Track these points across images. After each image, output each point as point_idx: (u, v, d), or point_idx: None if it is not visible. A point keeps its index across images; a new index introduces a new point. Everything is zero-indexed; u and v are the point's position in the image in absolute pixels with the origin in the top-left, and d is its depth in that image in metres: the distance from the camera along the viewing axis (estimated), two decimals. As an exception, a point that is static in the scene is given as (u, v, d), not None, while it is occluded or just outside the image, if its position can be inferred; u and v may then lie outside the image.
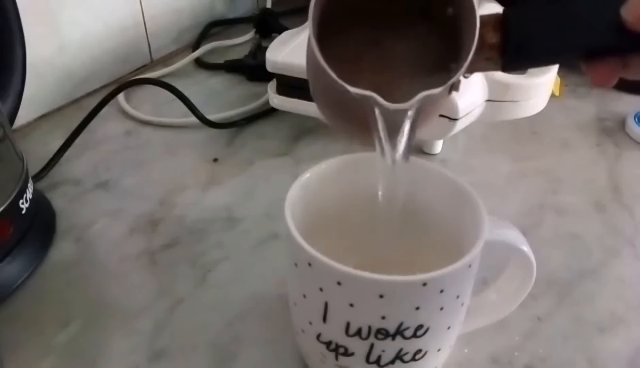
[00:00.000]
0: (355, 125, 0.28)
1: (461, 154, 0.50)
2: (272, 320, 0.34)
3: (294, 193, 0.28)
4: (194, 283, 0.37)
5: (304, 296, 0.27)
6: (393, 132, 0.25)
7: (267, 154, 0.50)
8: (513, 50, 0.24)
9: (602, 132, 0.53)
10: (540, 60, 0.26)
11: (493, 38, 0.24)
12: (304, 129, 0.52)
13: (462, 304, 0.27)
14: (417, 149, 0.49)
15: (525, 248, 0.28)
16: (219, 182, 0.46)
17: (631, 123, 0.52)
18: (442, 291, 0.25)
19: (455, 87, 0.25)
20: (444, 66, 0.25)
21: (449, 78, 0.24)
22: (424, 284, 0.24)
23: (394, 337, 0.25)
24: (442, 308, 0.25)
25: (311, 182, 0.30)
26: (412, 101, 0.24)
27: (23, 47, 0.45)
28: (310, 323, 0.27)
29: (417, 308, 0.25)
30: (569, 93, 0.58)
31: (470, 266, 0.25)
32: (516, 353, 0.33)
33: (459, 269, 0.25)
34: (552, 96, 0.49)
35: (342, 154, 0.31)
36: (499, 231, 0.27)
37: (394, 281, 0.24)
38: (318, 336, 0.27)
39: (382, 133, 0.25)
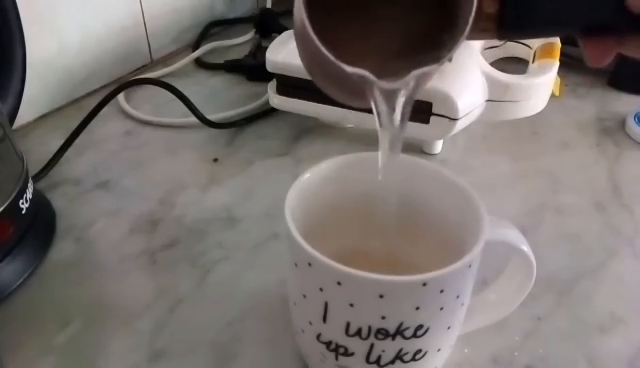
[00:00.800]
0: (347, 91, 0.28)
1: (461, 154, 0.50)
2: (272, 320, 0.34)
3: (294, 193, 0.28)
4: (194, 283, 0.37)
5: (304, 296, 0.27)
6: (389, 103, 0.25)
7: (267, 154, 0.50)
8: (511, 21, 0.24)
9: (602, 132, 0.53)
10: (537, 32, 0.26)
11: (491, 7, 0.24)
12: (304, 129, 0.52)
13: (462, 304, 0.27)
14: (417, 149, 0.49)
15: (525, 248, 0.28)
16: (219, 182, 0.46)
17: (631, 123, 0.52)
18: (442, 291, 0.25)
19: (449, 58, 0.24)
20: (435, 33, 0.25)
21: (442, 48, 0.24)
22: (424, 284, 0.24)
23: (394, 337, 0.25)
24: (442, 308, 0.25)
25: (311, 182, 0.30)
26: (406, 78, 0.24)
27: (23, 47, 0.45)
28: (310, 323, 0.27)
29: (417, 308, 0.25)
30: (569, 93, 0.58)
31: (470, 266, 0.25)
32: (516, 353, 0.33)
33: (459, 269, 0.25)
34: (552, 96, 0.49)
35: (341, 154, 0.31)
36: (499, 231, 0.27)
37: (394, 281, 0.24)
38: (318, 336, 0.27)
39: (379, 105, 0.25)
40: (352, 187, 0.32)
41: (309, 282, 0.26)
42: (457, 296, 0.26)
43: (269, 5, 0.74)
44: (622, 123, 0.53)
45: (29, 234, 0.38)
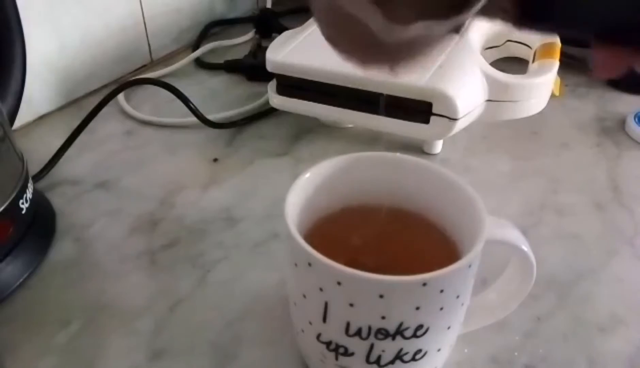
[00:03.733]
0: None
1: (461, 154, 0.50)
2: (272, 320, 0.34)
3: (294, 193, 0.28)
4: (194, 283, 0.37)
5: (304, 296, 0.27)
6: None
7: (267, 154, 0.50)
8: (532, 6, 0.23)
9: (602, 132, 0.53)
10: (556, 25, 0.25)
11: None
12: (304, 129, 0.52)
13: (462, 304, 0.27)
14: (417, 149, 0.49)
15: (525, 248, 0.28)
16: (219, 182, 0.46)
17: (631, 123, 0.52)
18: (442, 291, 0.25)
19: (457, 30, 0.24)
20: None
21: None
22: (424, 284, 0.24)
23: (394, 337, 0.25)
24: (442, 308, 0.25)
25: (311, 182, 0.30)
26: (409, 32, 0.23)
27: (23, 47, 0.45)
28: (310, 323, 0.27)
29: (417, 308, 0.25)
30: (569, 93, 0.58)
31: (470, 266, 0.25)
32: (516, 353, 0.33)
33: (459, 269, 0.25)
34: (552, 96, 0.49)
35: (341, 154, 0.31)
36: (499, 231, 0.27)
37: (394, 281, 0.24)
38: (318, 336, 0.27)
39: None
40: (352, 187, 0.32)
41: (309, 282, 0.26)
42: (457, 297, 0.26)
43: (269, 5, 0.74)
44: (622, 123, 0.53)
45: (29, 234, 0.38)
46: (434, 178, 0.31)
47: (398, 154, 0.31)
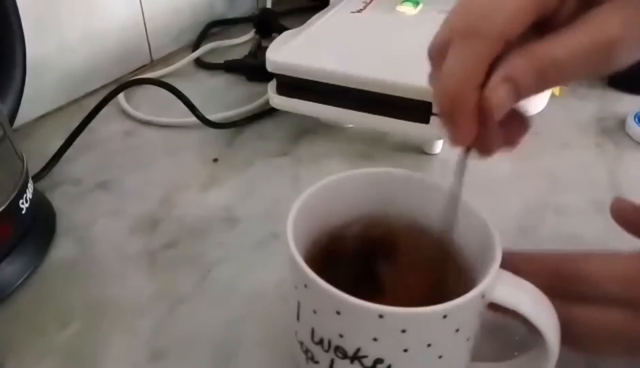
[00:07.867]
0: None
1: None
2: (272, 320, 0.34)
3: (297, 208, 0.27)
4: (194, 283, 0.37)
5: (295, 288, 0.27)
6: None
7: (267, 154, 0.50)
8: None
9: (602, 132, 0.53)
10: None
11: None
12: (304, 129, 0.52)
13: (440, 356, 0.25)
14: (417, 149, 0.49)
15: (543, 325, 0.25)
16: (219, 182, 0.46)
17: (631, 123, 0.52)
18: (403, 331, 0.23)
19: None
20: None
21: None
22: (380, 316, 0.22)
23: (352, 360, 0.24)
24: (406, 350, 0.24)
25: (314, 198, 0.29)
26: None
27: (23, 47, 0.45)
28: (294, 318, 0.27)
29: (375, 339, 0.23)
30: (569, 93, 0.58)
31: (445, 317, 0.23)
32: (516, 353, 0.33)
33: (427, 315, 0.23)
34: (552, 96, 0.49)
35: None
36: (507, 291, 0.25)
37: (350, 302, 0.23)
38: (295, 333, 0.27)
39: None
40: (356, 204, 0.31)
41: (290, 279, 0.26)
42: (429, 345, 0.24)
43: (269, 5, 0.74)
44: (622, 123, 0.53)
45: (29, 234, 0.38)
46: (437, 195, 0.29)
47: (404, 171, 0.30)
